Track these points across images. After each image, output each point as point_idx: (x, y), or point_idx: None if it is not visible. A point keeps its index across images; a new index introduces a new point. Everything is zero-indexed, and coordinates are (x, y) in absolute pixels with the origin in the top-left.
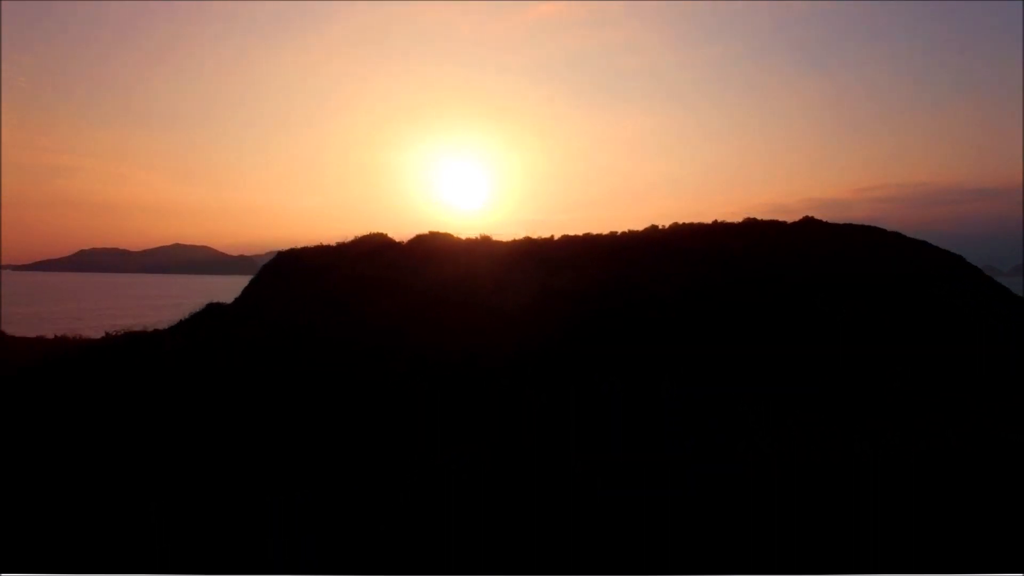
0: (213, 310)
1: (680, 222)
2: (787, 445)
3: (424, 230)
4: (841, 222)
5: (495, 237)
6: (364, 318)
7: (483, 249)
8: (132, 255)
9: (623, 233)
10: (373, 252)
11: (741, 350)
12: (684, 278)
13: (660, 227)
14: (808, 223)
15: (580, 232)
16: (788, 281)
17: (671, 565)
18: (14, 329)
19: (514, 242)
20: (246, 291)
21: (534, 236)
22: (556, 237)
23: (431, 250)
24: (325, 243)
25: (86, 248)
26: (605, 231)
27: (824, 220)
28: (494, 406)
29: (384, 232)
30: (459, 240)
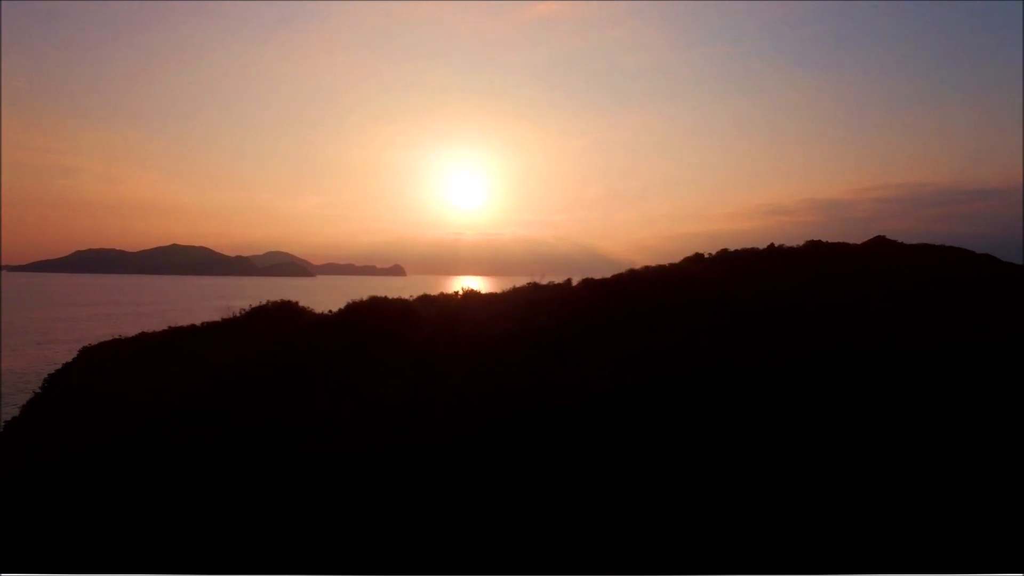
0: None
1: (730, 248)
2: None
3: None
4: (916, 243)
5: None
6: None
7: (455, 330)
8: (130, 256)
9: (660, 269)
10: (267, 339)
11: None
12: (762, 354)
13: (706, 255)
14: (880, 244)
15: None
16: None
17: None
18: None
19: (514, 294)
20: (31, 403)
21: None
22: (574, 282)
23: (370, 334)
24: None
25: (83, 248)
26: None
27: (897, 241)
28: None
29: (295, 300)
30: (422, 311)
